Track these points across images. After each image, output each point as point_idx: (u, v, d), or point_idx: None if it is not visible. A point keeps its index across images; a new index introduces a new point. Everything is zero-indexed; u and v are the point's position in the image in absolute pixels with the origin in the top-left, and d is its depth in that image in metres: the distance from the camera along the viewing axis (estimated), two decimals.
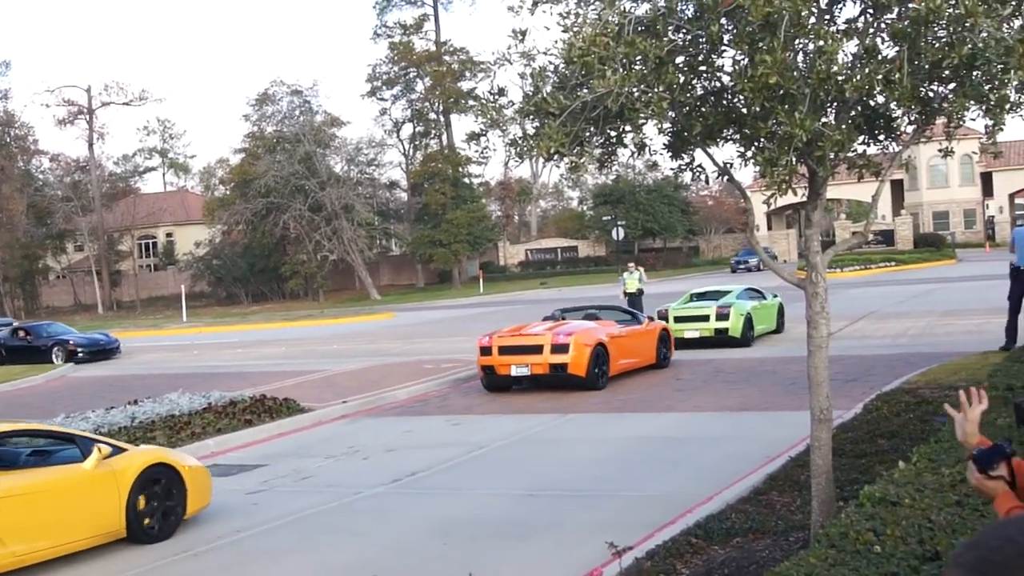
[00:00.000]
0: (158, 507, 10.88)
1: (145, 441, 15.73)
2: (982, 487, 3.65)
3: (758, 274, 59.64)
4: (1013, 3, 6.65)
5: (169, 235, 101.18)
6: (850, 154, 7.56)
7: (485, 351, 20.01)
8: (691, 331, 25.07)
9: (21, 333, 37.69)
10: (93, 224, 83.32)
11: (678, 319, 25.45)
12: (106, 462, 10.58)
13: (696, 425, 15.48)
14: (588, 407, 17.70)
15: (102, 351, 36.28)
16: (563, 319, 22.07)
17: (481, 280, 72.27)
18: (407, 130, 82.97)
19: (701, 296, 27.22)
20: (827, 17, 7.34)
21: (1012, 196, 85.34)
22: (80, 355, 35.34)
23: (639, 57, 6.75)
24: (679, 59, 7.22)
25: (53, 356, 35.40)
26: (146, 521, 10.73)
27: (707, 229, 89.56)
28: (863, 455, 10.79)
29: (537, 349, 19.50)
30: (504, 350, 19.77)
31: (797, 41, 6.86)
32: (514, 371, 19.57)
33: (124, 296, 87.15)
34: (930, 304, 33.52)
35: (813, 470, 7.88)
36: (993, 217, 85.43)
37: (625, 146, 7.80)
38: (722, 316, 25.14)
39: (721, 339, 24.91)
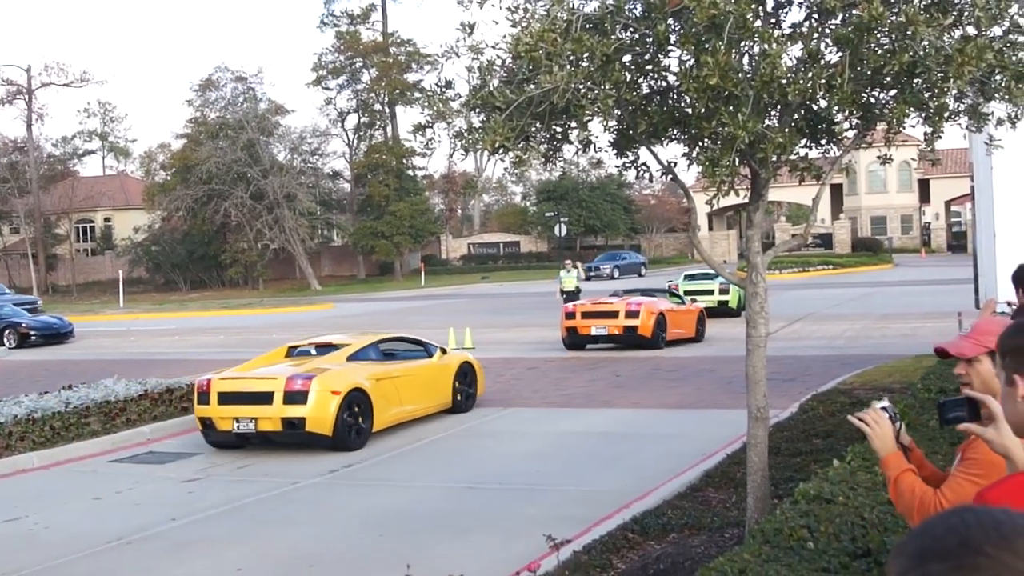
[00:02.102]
0: (465, 387, 17.00)
1: (79, 428, 15.56)
2: (884, 438, 3.74)
3: (611, 282, 57.98)
4: (954, 14, 6.78)
5: (107, 220, 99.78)
6: (792, 157, 7.66)
7: (570, 316, 24.45)
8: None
9: None
10: (30, 206, 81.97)
11: (686, 292, 29.19)
12: (442, 358, 16.79)
13: (635, 422, 15.60)
14: (529, 402, 17.76)
15: (56, 335, 35.61)
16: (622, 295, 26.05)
17: (423, 273, 72.11)
18: (352, 120, 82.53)
19: (693, 277, 33.18)
20: (772, 21, 7.44)
21: (948, 203, 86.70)
22: (33, 338, 34.70)
23: (586, 54, 6.80)
24: (626, 57, 7.27)
25: (5, 339, 34.69)
26: (458, 397, 16.81)
27: (649, 228, 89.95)
28: (798, 454, 10.95)
29: (613, 314, 24.08)
30: (586, 315, 24.28)
31: (742, 44, 6.94)
32: (594, 331, 24.06)
33: (60, 280, 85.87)
34: (866, 307, 34.00)
35: (749, 467, 7.98)
36: (929, 223, 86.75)
37: (570, 142, 7.85)
38: (723, 291, 30.47)
39: (722, 310, 29.58)
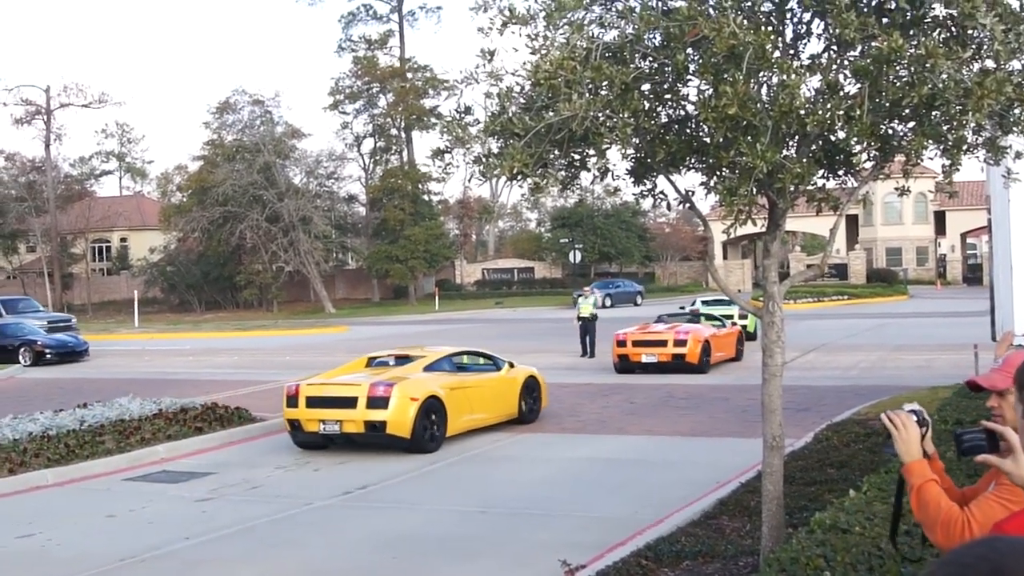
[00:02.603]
0: (531, 400, 18.21)
1: (93, 446, 15.61)
2: (911, 443, 3.73)
3: (602, 311, 54.33)
4: (973, 47, 6.81)
5: (123, 240, 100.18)
6: (809, 187, 7.69)
7: (621, 344, 25.60)
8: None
9: None
10: (47, 225, 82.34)
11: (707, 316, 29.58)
12: (509, 371, 17.99)
13: (648, 449, 15.58)
14: (541, 427, 17.75)
15: (71, 353, 35.70)
16: (667, 320, 28.11)
17: (437, 297, 72.17)
18: (368, 145, 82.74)
19: (709, 303, 33.96)
20: (791, 52, 7.48)
21: (964, 235, 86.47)
22: (48, 356, 34.78)
23: (605, 82, 6.84)
24: (645, 86, 7.32)
25: (20, 357, 34.73)
26: (523, 408, 17.97)
27: (664, 256, 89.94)
28: (812, 483, 10.92)
29: (663, 343, 25.17)
30: (636, 343, 25.44)
31: (761, 74, 6.98)
32: (644, 359, 25.24)
33: (76, 299, 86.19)
34: (881, 338, 33.91)
35: (764, 496, 7.97)
36: (945, 255, 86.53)
37: (588, 170, 7.89)
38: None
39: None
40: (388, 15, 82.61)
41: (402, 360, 17.42)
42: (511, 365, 18.30)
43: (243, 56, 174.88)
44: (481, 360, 18.60)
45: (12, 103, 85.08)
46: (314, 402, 15.73)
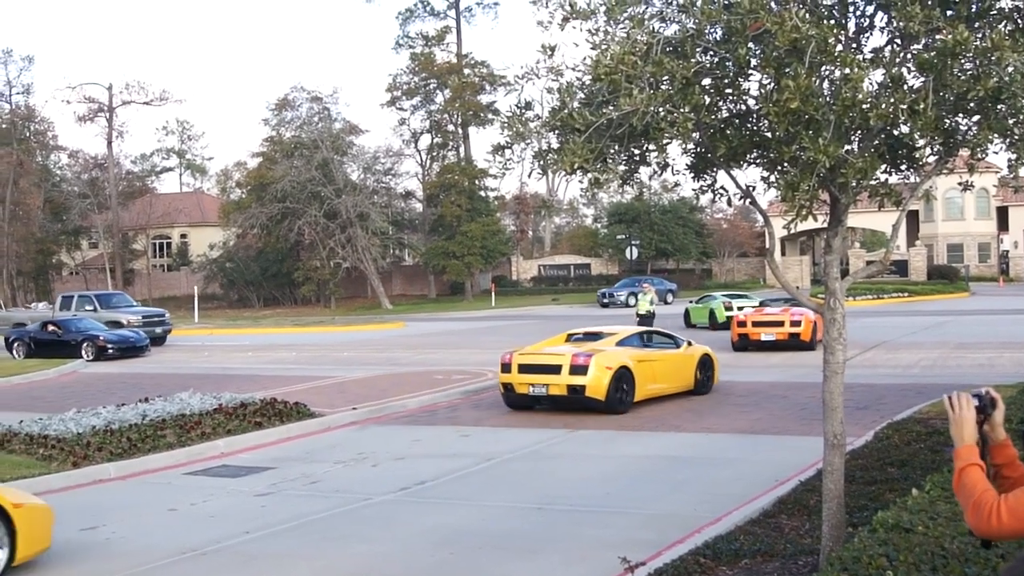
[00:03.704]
0: (705, 374, 20.99)
1: (155, 440, 15.81)
2: (965, 425, 3.75)
3: (628, 310, 52.23)
4: None
5: (183, 236, 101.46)
6: (872, 182, 7.59)
7: (741, 324, 29.20)
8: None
9: (51, 327, 37.50)
10: (108, 222, 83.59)
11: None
12: (687, 349, 20.92)
13: (706, 446, 15.49)
14: (598, 424, 17.71)
15: (132, 348, 36.31)
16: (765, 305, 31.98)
17: (493, 293, 72.25)
18: (425, 141, 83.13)
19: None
20: (854, 45, 7.39)
21: None
22: (110, 351, 35.36)
23: (666, 77, 6.80)
24: (705, 81, 7.27)
25: (83, 352, 35.30)
26: (699, 380, 20.74)
27: (721, 252, 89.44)
28: (873, 482, 10.80)
29: (780, 323, 28.92)
30: (756, 323, 29.10)
31: (824, 68, 6.90)
32: (763, 337, 28.56)
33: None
34: (942, 336, 33.46)
35: (825, 495, 7.89)
36: (1008, 251, 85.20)
37: (648, 164, 7.86)
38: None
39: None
40: (445, 11, 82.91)
41: (594, 336, 21.10)
42: (689, 344, 21.37)
43: (302, 53, 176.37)
44: (664, 338, 21.63)
45: (75, 101, 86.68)
46: (525, 369, 19.17)
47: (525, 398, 19.24)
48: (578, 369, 18.50)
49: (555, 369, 18.79)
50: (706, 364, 21.10)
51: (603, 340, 20.26)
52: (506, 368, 19.41)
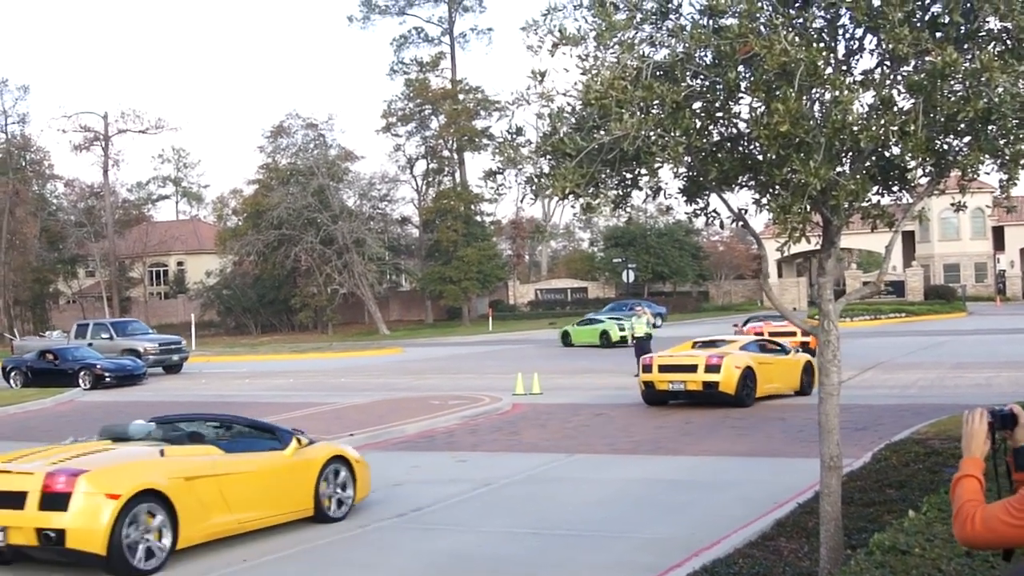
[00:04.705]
0: (807, 378, 23.56)
1: None
2: (975, 437, 3.77)
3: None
4: None
5: (180, 263, 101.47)
6: (864, 204, 7.60)
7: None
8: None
9: (49, 356, 37.45)
10: (105, 250, 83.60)
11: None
12: (794, 355, 24.11)
13: (704, 469, 15.46)
14: (595, 448, 17.68)
15: (129, 376, 36.24)
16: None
17: (491, 318, 72.22)
18: (420, 166, 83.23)
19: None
20: (844, 68, 7.42)
21: (1023, 250, 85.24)
22: (108, 379, 35.29)
23: (656, 101, 6.83)
24: (696, 105, 7.29)
25: (80, 380, 35.24)
26: (803, 383, 23.70)
27: (718, 274, 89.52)
28: (871, 504, 10.77)
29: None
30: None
31: (813, 90, 6.93)
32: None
33: None
34: (940, 356, 33.46)
35: (822, 517, 7.87)
36: (1004, 271, 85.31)
37: (640, 189, 7.87)
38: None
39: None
40: (439, 37, 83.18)
41: (718, 343, 24.08)
42: (797, 350, 24.80)
43: (297, 80, 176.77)
44: (775, 346, 24.49)
45: (71, 130, 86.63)
46: (665, 368, 22.71)
47: (664, 394, 22.77)
48: (712, 368, 21.87)
49: (693, 368, 22.16)
50: (808, 370, 23.62)
51: (727, 345, 23.62)
52: (647, 369, 23.00)
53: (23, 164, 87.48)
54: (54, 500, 10.05)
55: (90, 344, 41.87)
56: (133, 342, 42.51)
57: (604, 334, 46.59)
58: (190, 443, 12.01)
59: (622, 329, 44.78)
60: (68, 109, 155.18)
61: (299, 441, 12.47)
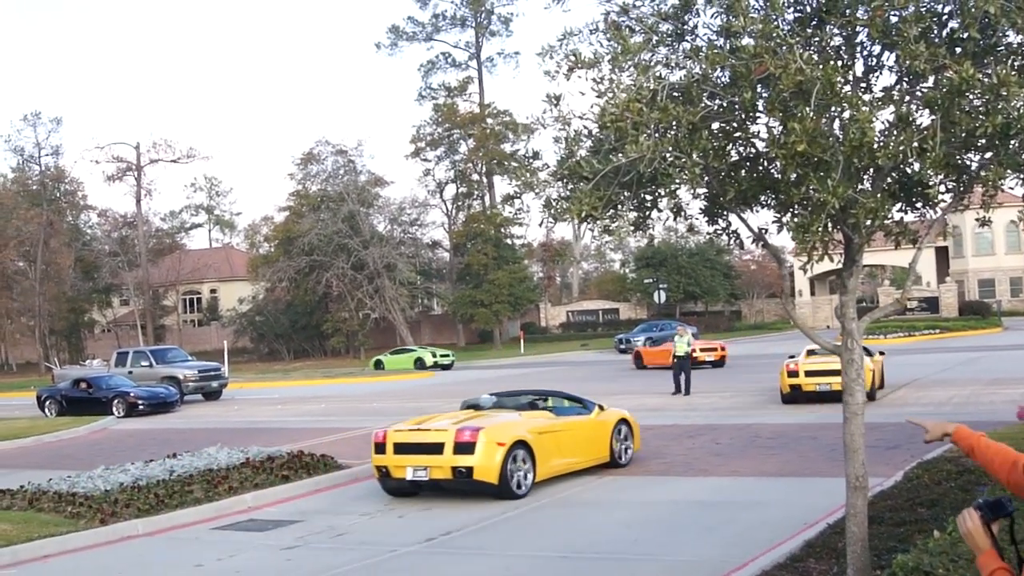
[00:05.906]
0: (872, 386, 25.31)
1: (182, 495, 15.82)
2: (975, 536, 3.67)
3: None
4: None
5: (213, 291, 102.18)
6: (886, 221, 7.56)
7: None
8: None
9: (83, 385, 37.83)
10: (139, 279, 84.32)
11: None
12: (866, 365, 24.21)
13: (734, 490, 15.36)
14: (625, 470, 17.61)
15: (162, 404, 36.53)
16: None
17: (522, 341, 72.21)
18: (450, 191, 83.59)
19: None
20: (863, 85, 7.40)
21: None
22: (141, 407, 35.57)
23: (672, 123, 6.83)
24: (714, 125, 7.29)
25: (114, 408, 35.53)
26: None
27: (749, 293, 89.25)
28: (902, 523, 10.66)
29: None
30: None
31: (831, 109, 6.91)
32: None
33: None
34: (975, 372, 33.14)
35: (848, 538, 7.82)
36: None
37: (660, 210, 7.86)
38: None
39: None
40: (467, 62, 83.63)
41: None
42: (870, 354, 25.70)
43: (326, 107, 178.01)
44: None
45: (104, 160, 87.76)
46: (810, 373, 26.22)
47: (809, 394, 25.89)
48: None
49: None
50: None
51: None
52: (793, 374, 26.23)
53: (57, 195, 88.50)
54: (464, 447, 15.08)
55: (130, 372, 42.21)
56: (172, 369, 42.80)
57: (418, 360, 57.27)
58: (530, 410, 16.92)
59: (434, 356, 57.89)
60: (101, 140, 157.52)
61: (600, 408, 17.59)
